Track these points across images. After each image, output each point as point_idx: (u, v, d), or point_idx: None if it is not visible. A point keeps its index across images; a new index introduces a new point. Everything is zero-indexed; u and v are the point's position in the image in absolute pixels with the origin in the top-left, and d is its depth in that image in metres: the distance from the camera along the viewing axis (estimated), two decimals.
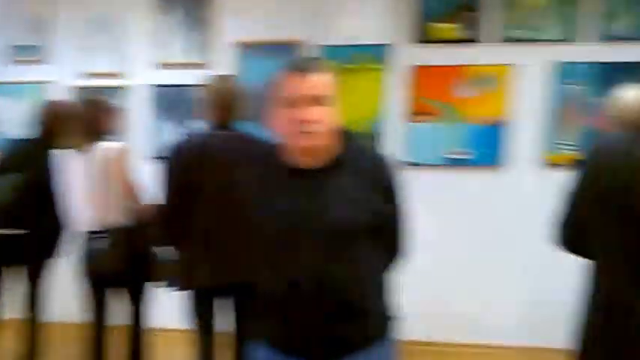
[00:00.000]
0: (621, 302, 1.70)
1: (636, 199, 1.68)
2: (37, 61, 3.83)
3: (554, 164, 3.40)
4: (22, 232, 2.90)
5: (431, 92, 3.48)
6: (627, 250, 1.69)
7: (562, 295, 3.17)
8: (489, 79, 3.43)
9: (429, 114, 3.49)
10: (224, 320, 2.45)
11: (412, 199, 3.25)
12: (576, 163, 1.88)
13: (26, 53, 3.85)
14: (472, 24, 3.40)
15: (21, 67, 3.87)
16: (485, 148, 3.47)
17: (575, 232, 1.85)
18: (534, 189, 3.44)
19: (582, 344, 1.84)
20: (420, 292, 3.48)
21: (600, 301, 1.78)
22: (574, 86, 3.36)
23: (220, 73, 2.59)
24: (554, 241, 1.95)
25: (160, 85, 3.70)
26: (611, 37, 3.30)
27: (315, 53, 3.40)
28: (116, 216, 2.63)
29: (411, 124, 3.50)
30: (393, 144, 3.49)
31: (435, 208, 3.52)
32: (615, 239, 1.71)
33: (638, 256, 1.68)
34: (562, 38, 3.35)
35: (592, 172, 1.79)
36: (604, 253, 1.75)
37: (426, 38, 3.44)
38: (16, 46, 3.86)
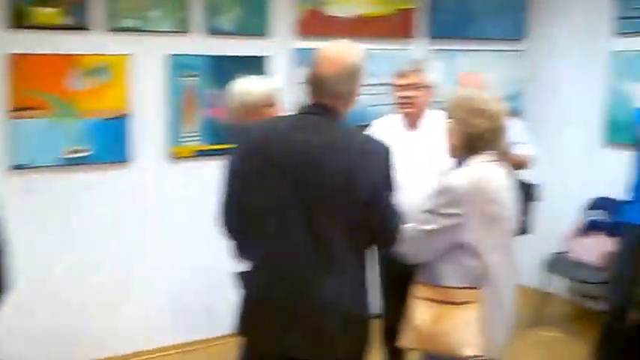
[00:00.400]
0: (298, 277, 1.74)
1: (302, 178, 1.72)
2: None
3: (179, 157, 3.37)
4: None
5: (37, 84, 3.03)
6: (303, 227, 1.73)
7: (213, 285, 3.23)
8: (104, 69, 3.17)
9: (37, 108, 3.04)
10: None
11: (21, 209, 2.85)
12: (228, 152, 1.89)
13: None
14: (76, 10, 3.08)
15: None
16: (108, 144, 3.21)
17: (237, 216, 1.87)
18: (162, 182, 3.36)
19: (245, 325, 1.86)
20: (53, 312, 3.09)
21: (267, 280, 1.80)
22: (190, 78, 3.39)
23: None
24: (220, 226, 1.95)
25: None
26: (217, 31, 3.42)
27: None
28: None
29: (14, 120, 3.01)
30: None
31: (54, 213, 3.13)
32: (289, 218, 1.74)
33: (314, 232, 1.72)
34: (174, 30, 3.32)
35: (250, 158, 1.79)
36: (274, 233, 1.76)
37: (23, 23, 2.98)
38: None
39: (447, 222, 1.89)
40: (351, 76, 1.81)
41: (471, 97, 2.01)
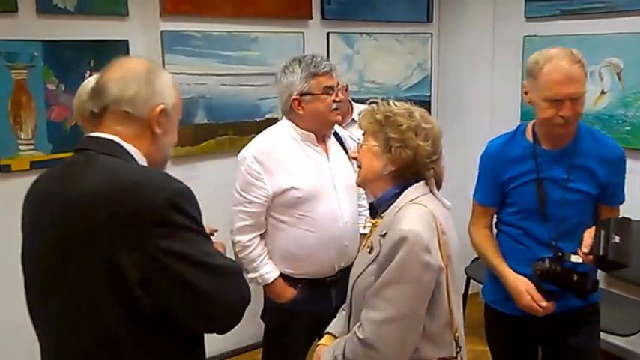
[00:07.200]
0: None
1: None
2: None
3: (11, 170, 2.58)
4: None
5: None
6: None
7: None
8: None
9: None
10: None
11: None
12: None
13: None
14: None
15: None
16: None
17: None
18: None
19: None
20: None
21: None
22: (21, 71, 2.58)
23: None
24: None
25: None
26: (53, 10, 2.62)
27: None
28: None
29: None
30: None
31: None
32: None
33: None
34: None
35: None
36: None
37: None
38: None
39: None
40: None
41: (407, 111, 1.49)
